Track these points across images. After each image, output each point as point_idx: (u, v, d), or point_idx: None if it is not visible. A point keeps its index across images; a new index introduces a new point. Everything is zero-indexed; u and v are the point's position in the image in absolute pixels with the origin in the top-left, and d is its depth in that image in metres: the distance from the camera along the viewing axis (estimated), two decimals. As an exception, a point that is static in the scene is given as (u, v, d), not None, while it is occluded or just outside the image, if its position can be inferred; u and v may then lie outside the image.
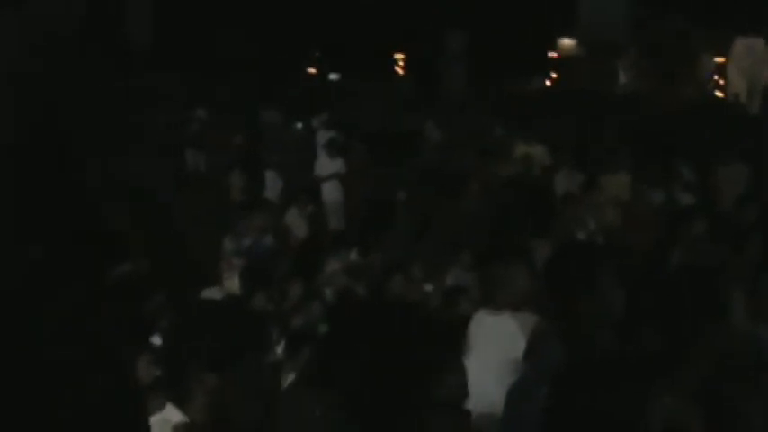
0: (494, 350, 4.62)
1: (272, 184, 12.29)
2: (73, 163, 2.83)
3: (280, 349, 6.17)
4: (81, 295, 2.62)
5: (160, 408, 4.10)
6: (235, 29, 23.52)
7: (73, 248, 2.68)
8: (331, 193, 12.74)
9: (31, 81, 2.84)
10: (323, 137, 13.83)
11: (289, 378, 5.60)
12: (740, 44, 23.68)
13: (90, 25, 3.25)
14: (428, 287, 8.40)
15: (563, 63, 26.05)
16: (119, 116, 3.09)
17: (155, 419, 3.94)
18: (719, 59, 24.67)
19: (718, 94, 24.41)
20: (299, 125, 15.98)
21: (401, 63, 27.21)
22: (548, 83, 26.35)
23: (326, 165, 13.17)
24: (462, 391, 3.47)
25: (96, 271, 2.73)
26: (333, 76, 25.84)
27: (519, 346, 4.22)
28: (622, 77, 24.83)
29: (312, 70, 26.38)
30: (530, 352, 4.10)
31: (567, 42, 26.34)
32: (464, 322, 5.47)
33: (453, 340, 4.47)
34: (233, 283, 7.84)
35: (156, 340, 5.54)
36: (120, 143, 3.04)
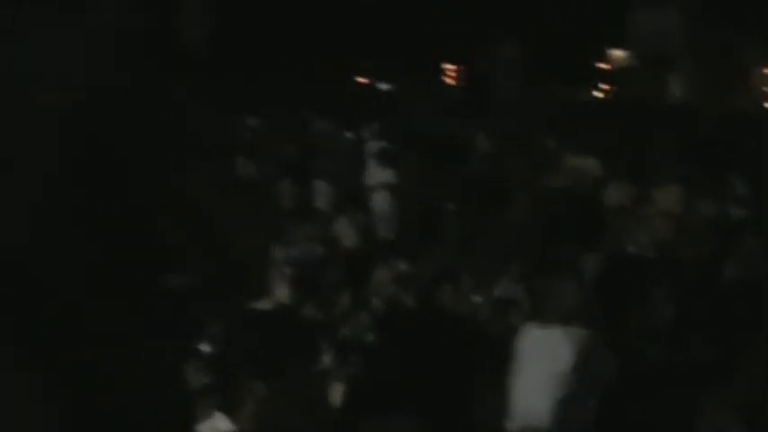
0: (543, 363, 4.60)
1: (322, 193, 12.31)
2: (128, 171, 2.85)
3: (328, 358, 6.18)
4: (133, 303, 2.64)
5: (209, 415, 4.12)
6: (287, 37, 23.61)
7: (125, 257, 2.69)
8: (381, 201, 12.73)
9: (91, 89, 2.85)
10: (373, 146, 13.83)
11: (336, 387, 5.60)
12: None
13: (148, 32, 3.27)
14: (477, 298, 8.36)
15: (615, 74, 25.97)
16: (173, 123, 3.11)
17: (204, 427, 3.96)
18: (771, 71, 24.52)
19: (771, 105, 24.26)
20: (350, 134, 16.00)
21: (452, 72, 27.21)
22: (599, 94, 26.26)
23: (376, 173, 13.16)
24: (503, 408, 3.46)
25: (148, 280, 2.74)
26: (383, 85, 25.87)
27: (568, 359, 4.20)
28: (674, 89, 24.71)
29: (363, 79, 26.43)
30: (579, 365, 4.08)
31: (618, 54, 26.25)
32: (513, 335, 5.46)
33: (500, 354, 4.46)
34: (282, 292, 7.85)
35: (207, 348, 5.56)
36: (174, 150, 3.05)
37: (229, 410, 4.12)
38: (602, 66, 26.56)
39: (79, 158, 2.72)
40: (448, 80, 27.45)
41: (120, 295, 2.62)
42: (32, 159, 2.63)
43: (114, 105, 2.86)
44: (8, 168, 2.60)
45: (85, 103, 2.77)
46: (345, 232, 10.62)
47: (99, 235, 2.63)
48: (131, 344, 2.61)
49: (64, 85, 2.81)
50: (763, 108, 24.00)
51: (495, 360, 4.65)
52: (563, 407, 3.80)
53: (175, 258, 2.94)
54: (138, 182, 2.82)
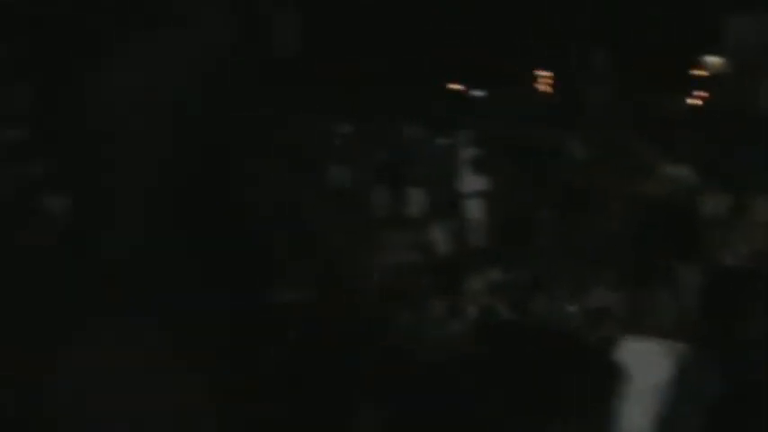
0: (641, 379, 4.54)
1: (416, 200, 12.33)
2: (230, 181, 2.88)
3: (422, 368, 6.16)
4: (238, 314, 2.67)
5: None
6: (379, 42, 23.67)
7: (230, 268, 2.71)
8: (474, 209, 12.72)
9: (194, 102, 2.89)
10: (466, 153, 13.82)
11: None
12: None
13: (244, 39, 3.31)
14: (571, 307, 8.32)
15: (710, 81, 25.67)
16: (270, 131, 3.14)
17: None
18: None
19: None
20: (443, 140, 15.98)
21: (545, 79, 27.11)
22: (695, 101, 25.99)
23: (470, 181, 13.15)
24: (602, 424, 3.42)
25: (254, 291, 2.77)
26: (476, 92, 25.85)
27: (668, 375, 4.15)
28: (771, 96, 24.36)
29: (456, 85, 26.42)
30: (681, 381, 4.03)
31: (714, 60, 25.95)
32: (609, 345, 5.40)
33: (596, 366, 4.42)
34: (375, 300, 7.86)
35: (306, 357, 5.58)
36: (271, 159, 3.08)
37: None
38: (698, 72, 26.29)
39: (185, 170, 2.76)
40: (541, 87, 27.35)
41: (225, 307, 2.65)
42: (140, 173, 2.67)
43: (217, 118, 2.90)
44: (120, 182, 2.64)
45: (190, 116, 2.81)
46: (439, 239, 10.63)
47: (205, 246, 2.67)
48: (236, 356, 2.63)
49: (169, 100, 2.86)
50: None
51: (592, 373, 4.60)
52: (665, 424, 3.76)
53: (280, 268, 2.97)
54: (242, 192, 2.85)
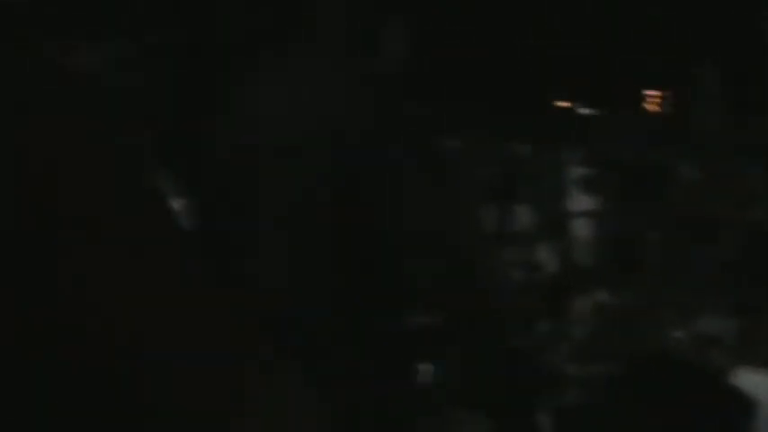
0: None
1: (524, 218, 12.30)
2: (372, 204, 2.94)
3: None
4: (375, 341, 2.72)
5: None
6: (489, 58, 23.66)
7: (370, 294, 2.76)
8: (583, 229, 12.65)
9: (339, 126, 2.96)
10: (575, 172, 13.75)
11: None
12: None
13: (364, 57, 3.38)
14: (679, 333, 8.26)
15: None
16: (398, 147, 3.20)
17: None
18: None
19: None
20: (551, 158, 15.89)
21: (655, 99, 26.82)
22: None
23: (579, 200, 13.09)
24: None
25: (390, 317, 2.82)
26: (585, 111, 25.64)
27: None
28: None
29: (565, 104, 26.26)
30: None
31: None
32: (719, 376, 5.37)
33: (708, 395, 4.41)
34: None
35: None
36: (393, 177, 3.14)
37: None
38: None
39: (329, 194, 2.82)
40: (650, 107, 27.08)
41: (363, 333, 2.70)
42: (287, 197, 2.73)
43: (360, 141, 2.96)
44: (263, 208, 2.71)
45: (337, 140, 2.88)
46: (547, 259, 10.60)
47: (347, 269, 2.71)
48: (371, 383, 2.68)
49: (315, 123, 2.93)
50: None
51: (703, 400, 4.59)
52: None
53: (419, 294, 3.01)
54: (381, 214, 2.90)
